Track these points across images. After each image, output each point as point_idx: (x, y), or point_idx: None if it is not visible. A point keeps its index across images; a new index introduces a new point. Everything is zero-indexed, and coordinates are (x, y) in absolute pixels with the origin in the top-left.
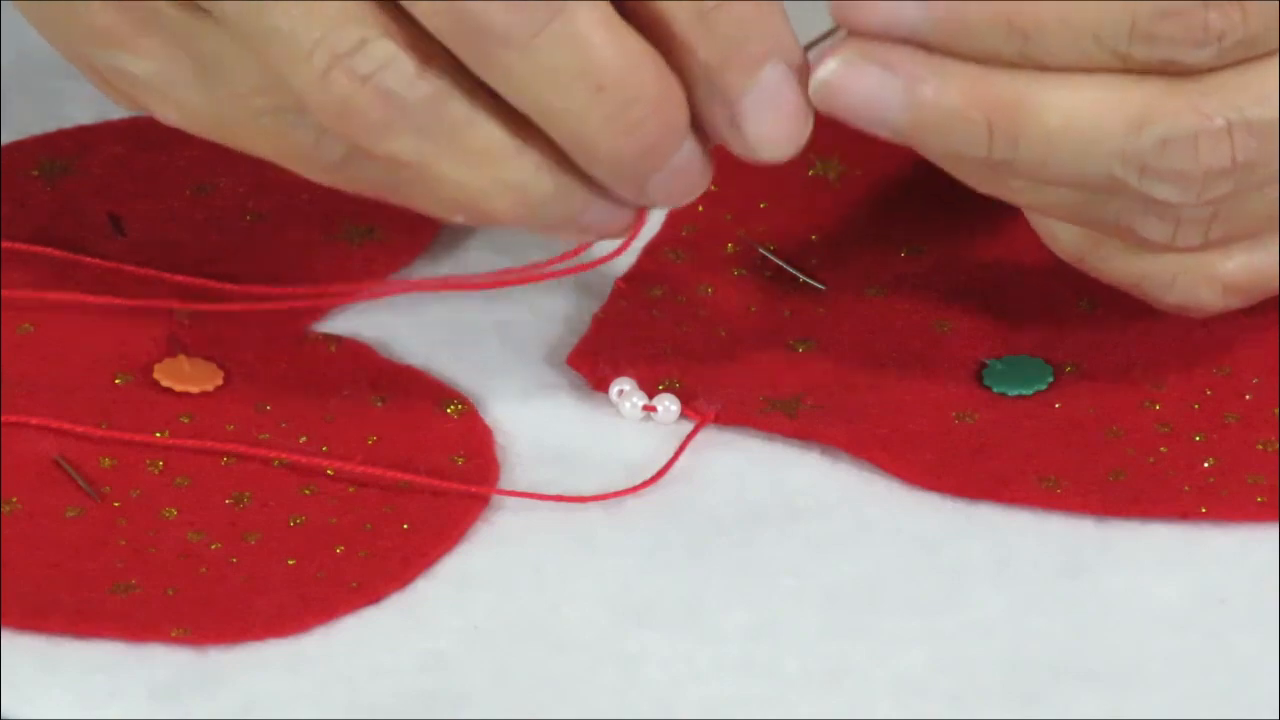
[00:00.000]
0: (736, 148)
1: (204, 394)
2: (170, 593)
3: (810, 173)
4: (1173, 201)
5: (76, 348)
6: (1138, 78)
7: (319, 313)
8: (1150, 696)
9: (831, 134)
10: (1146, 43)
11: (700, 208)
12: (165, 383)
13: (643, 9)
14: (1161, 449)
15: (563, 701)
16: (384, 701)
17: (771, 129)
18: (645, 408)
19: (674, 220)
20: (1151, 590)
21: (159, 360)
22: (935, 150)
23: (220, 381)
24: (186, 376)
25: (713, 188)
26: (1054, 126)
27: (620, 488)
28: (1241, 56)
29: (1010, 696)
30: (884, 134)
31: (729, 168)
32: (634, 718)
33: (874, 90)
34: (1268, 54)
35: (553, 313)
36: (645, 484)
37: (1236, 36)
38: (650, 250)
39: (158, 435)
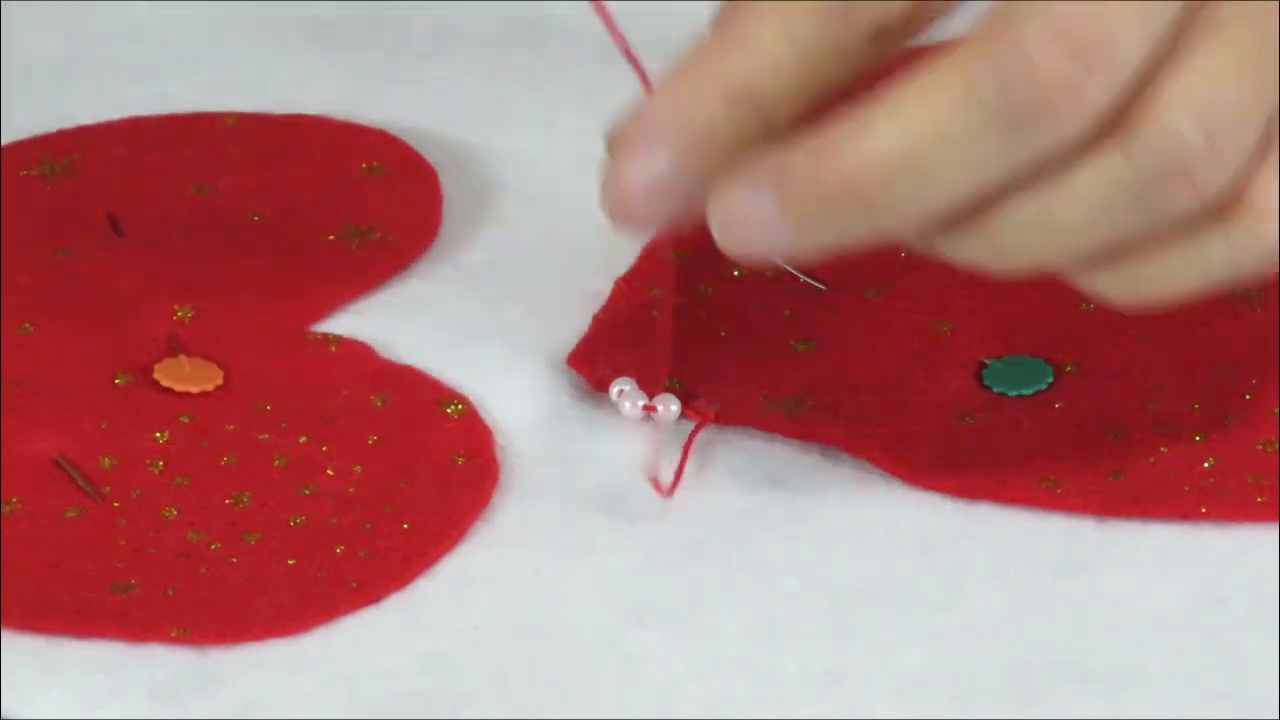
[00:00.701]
0: None
1: (204, 394)
2: (170, 593)
3: None
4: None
5: (76, 348)
6: None
7: (319, 313)
8: (1150, 696)
9: None
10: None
11: None
12: (165, 383)
13: None
14: (1161, 449)
15: (563, 701)
16: (384, 701)
17: None
18: (645, 408)
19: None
20: (1151, 590)
21: (159, 360)
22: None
23: (220, 381)
24: (186, 377)
25: None
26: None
27: (621, 488)
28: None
29: (1010, 696)
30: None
31: None
32: (634, 718)
33: (749, 208)
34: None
35: (552, 313)
36: (670, 489)
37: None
38: (650, 250)
39: (157, 436)
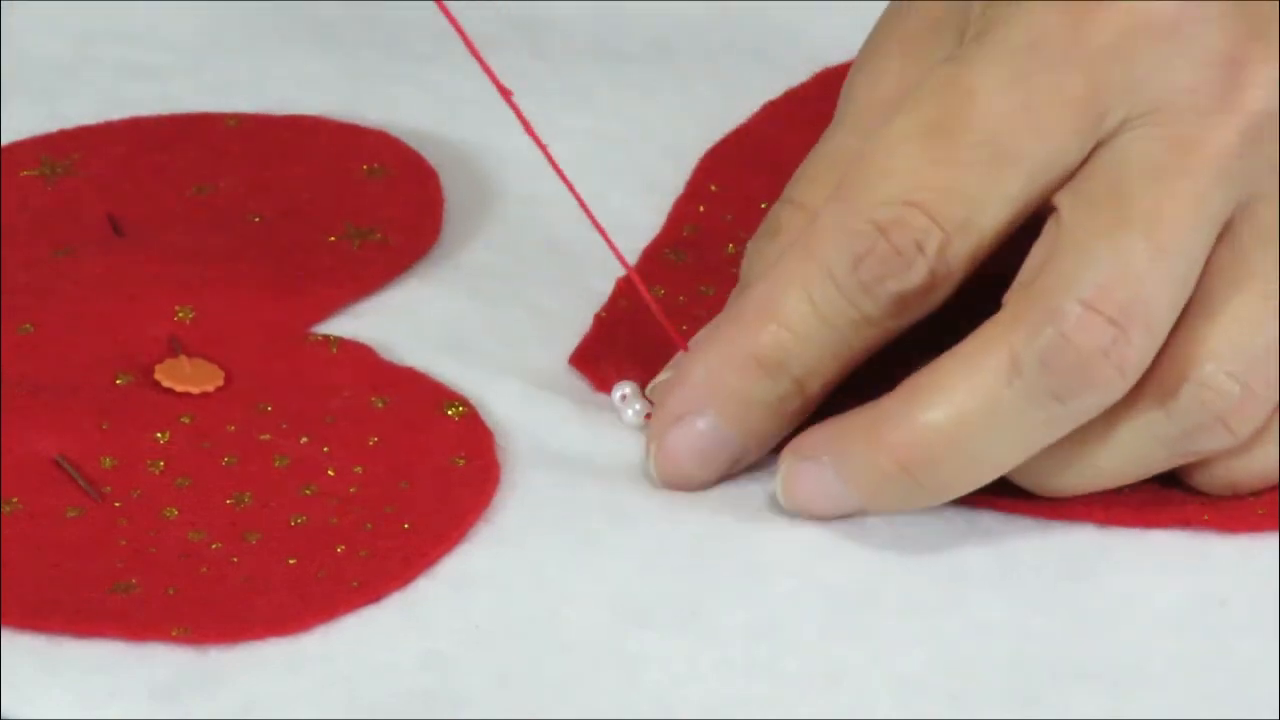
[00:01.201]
0: None
1: (204, 394)
2: (171, 592)
3: None
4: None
5: (76, 348)
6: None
7: (320, 314)
8: (1151, 698)
9: None
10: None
11: (701, 208)
12: (166, 383)
13: None
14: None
15: (563, 702)
16: (384, 701)
17: None
18: (647, 417)
19: (675, 221)
20: (1152, 593)
21: (160, 361)
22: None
23: (221, 382)
24: (187, 377)
25: (712, 188)
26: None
27: (622, 489)
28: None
29: (1010, 698)
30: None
31: (728, 168)
32: (634, 718)
33: (815, 483)
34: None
35: (553, 314)
36: None
37: (1132, 362)
38: (651, 251)
39: (158, 436)
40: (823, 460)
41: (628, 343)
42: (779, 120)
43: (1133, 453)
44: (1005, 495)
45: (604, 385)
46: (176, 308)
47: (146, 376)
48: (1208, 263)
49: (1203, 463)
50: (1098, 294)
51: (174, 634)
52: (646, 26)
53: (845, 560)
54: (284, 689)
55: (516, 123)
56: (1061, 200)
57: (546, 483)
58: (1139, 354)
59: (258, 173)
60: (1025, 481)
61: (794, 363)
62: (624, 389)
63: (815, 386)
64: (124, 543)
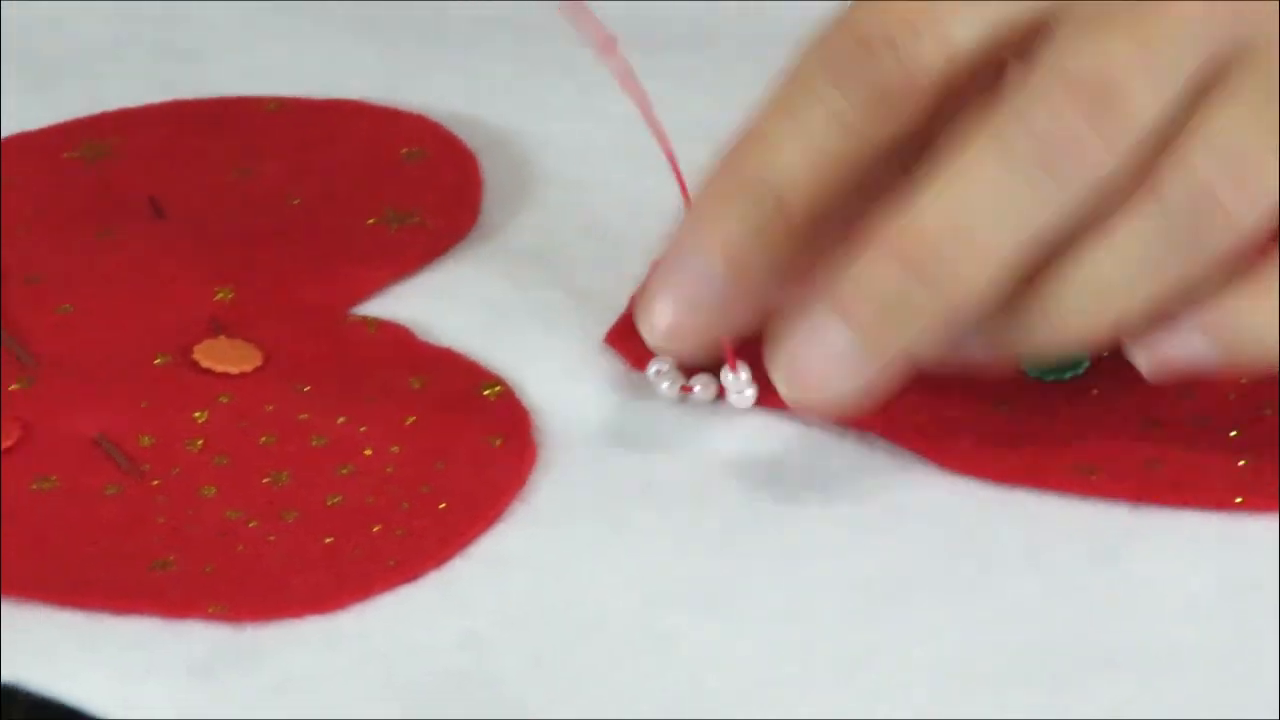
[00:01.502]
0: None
1: (243, 374)
2: (208, 570)
3: None
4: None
5: (116, 329)
6: None
7: (359, 296)
8: (1181, 682)
9: None
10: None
11: None
12: (205, 363)
13: None
14: (1198, 443)
15: (596, 681)
16: (419, 679)
17: None
18: (683, 389)
19: None
20: (1184, 576)
21: (198, 341)
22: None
23: (259, 362)
24: (226, 357)
25: None
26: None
27: (657, 470)
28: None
29: (1041, 680)
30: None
31: None
32: (667, 698)
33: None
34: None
35: (590, 295)
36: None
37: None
38: None
39: (196, 415)
40: (823, 313)
41: None
42: None
43: (1136, 254)
44: (1035, 472)
45: (639, 363)
46: (216, 289)
47: (185, 357)
48: (1202, 88)
49: (1214, 304)
50: (1081, 76)
51: (211, 611)
52: (686, 13)
53: (876, 544)
54: (320, 666)
55: (555, 106)
56: (1047, 17)
57: (582, 463)
58: (1124, 130)
59: (297, 156)
60: (1043, 326)
61: (771, 174)
62: (659, 364)
63: (798, 203)
64: (162, 520)
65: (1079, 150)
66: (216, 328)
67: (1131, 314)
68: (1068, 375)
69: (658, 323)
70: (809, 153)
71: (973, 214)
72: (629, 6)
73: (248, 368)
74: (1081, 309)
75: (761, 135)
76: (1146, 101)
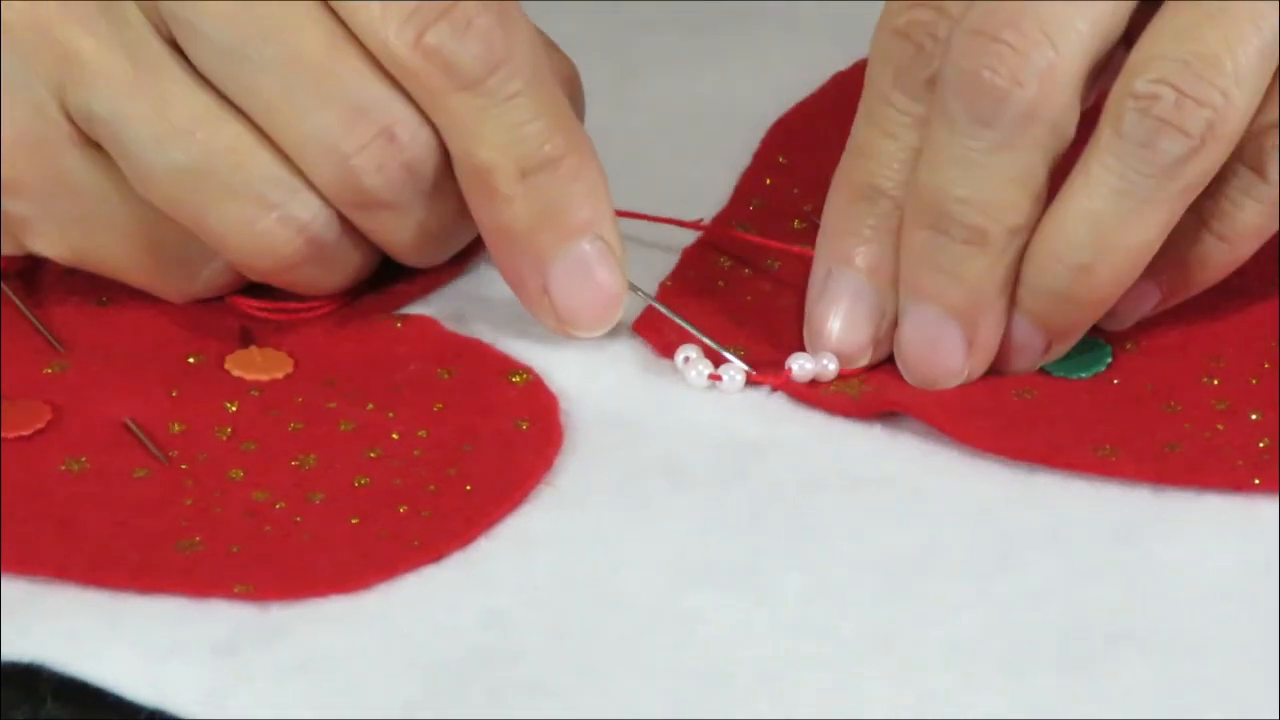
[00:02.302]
0: (547, 320)
1: (273, 380)
2: (234, 550)
3: None
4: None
5: (151, 325)
6: None
7: (394, 307)
8: (1201, 662)
9: None
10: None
11: (768, 180)
12: (236, 373)
13: (467, 160)
14: (1219, 426)
15: (620, 660)
16: (443, 658)
17: (581, 302)
18: (711, 376)
19: (742, 194)
20: (1204, 559)
21: (230, 351)
22: None
23: (290, 369)
24: (257, 366)
25: (781, 160)
26: None
27: (683, 453)
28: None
29: (1062, 660)
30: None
31: (796, 140)
32: (690, 676)
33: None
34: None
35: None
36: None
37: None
38: (718, 224)
39: (227, 405)
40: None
41: (691, 310)
42: (847, 92)
43: (1115, 187)
44: (1054, 451)
45: (668, 351)
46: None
47: (218, 363)
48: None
49: (1228, 202)
50: (983, 21)
51: (236, 591)
52: None
53: (900, 525)
54: (344, 645)
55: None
56: None
57: (608, 445)
58: (1033, 59)
59: None
60: (1056, 259)
61: (882, 181)
62: (687, 351)
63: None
64: (189, 502)
65: (997, 93)
66: (248, 338)
67: (1134, 249)
68: (1088, 373)
69: (830, 339)
70: (901, 150)
71: (942, 172)
72: None
73: (279, 375)
74: (1082, 238)
75: (862, 152)
76: (1063, 17)
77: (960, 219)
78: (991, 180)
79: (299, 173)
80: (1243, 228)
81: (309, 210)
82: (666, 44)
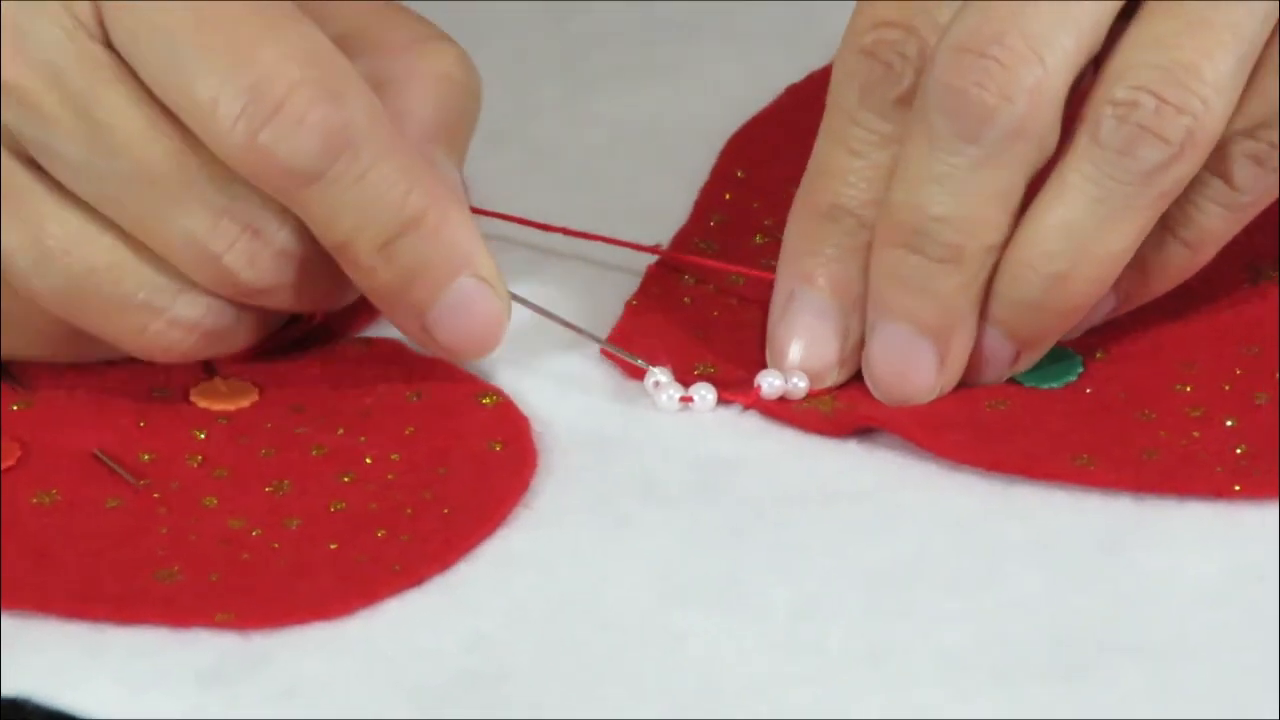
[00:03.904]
0: (436, 353)
1: (239, 409)
2: (213, 578)
3: None
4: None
5: (113, 365)
6: None
7: (359, 327)
8: (1191, 668)
9: None
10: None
11: (727, 195)
12: (202, 404)
13: (326, 240)
14: (1194, 433)
15: (606, 679)
16: (428, 682)
17: (464, 337)
18: (682, 399)
19: (702, 210)
20: (1189, 567)
21: (195, 384)
22: None
23: (256, 397)
24: (223, 397)
25: (739, 174)
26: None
27: (658, 471)
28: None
29: (1053, 671)
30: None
31: (754, 153)
32: (677, 695)
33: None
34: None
35: (585, 302)
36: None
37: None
38: (679, 242)
39: (196, 433)
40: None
41: (659, 329)
42: (802, 103)
43: (1092, 195)
44: (1031, 462)
45: (636, 372)
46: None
47: (183, 395)
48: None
49: (1193, 208)
50: (968, 37)
51: (218, 619)
52: (671, 11)
53: (882, 539)
54: (328, 671)
55: (538, 113)
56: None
57: (582, 466)
58: (1021, 75)
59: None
60: (1031, 268)
61: (847, 200)
62: (658, 375)
63: (874, 214)
64: (164, 531)
65: (984, 108)
66: (211, 368)
67: (1109, 257)
68: (1060, 383)
69: (793, 362)
70: (873, 174)
71: (926, 192)
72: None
73: (245, 404)
74: (1058, 247)
75: (825, 170)
76: (1042, 29)
77: (937, 237)
78: (971, 197)
79: (180, 275)
80: (1206, 234)
81: (197, 309)
82: (615, 59)
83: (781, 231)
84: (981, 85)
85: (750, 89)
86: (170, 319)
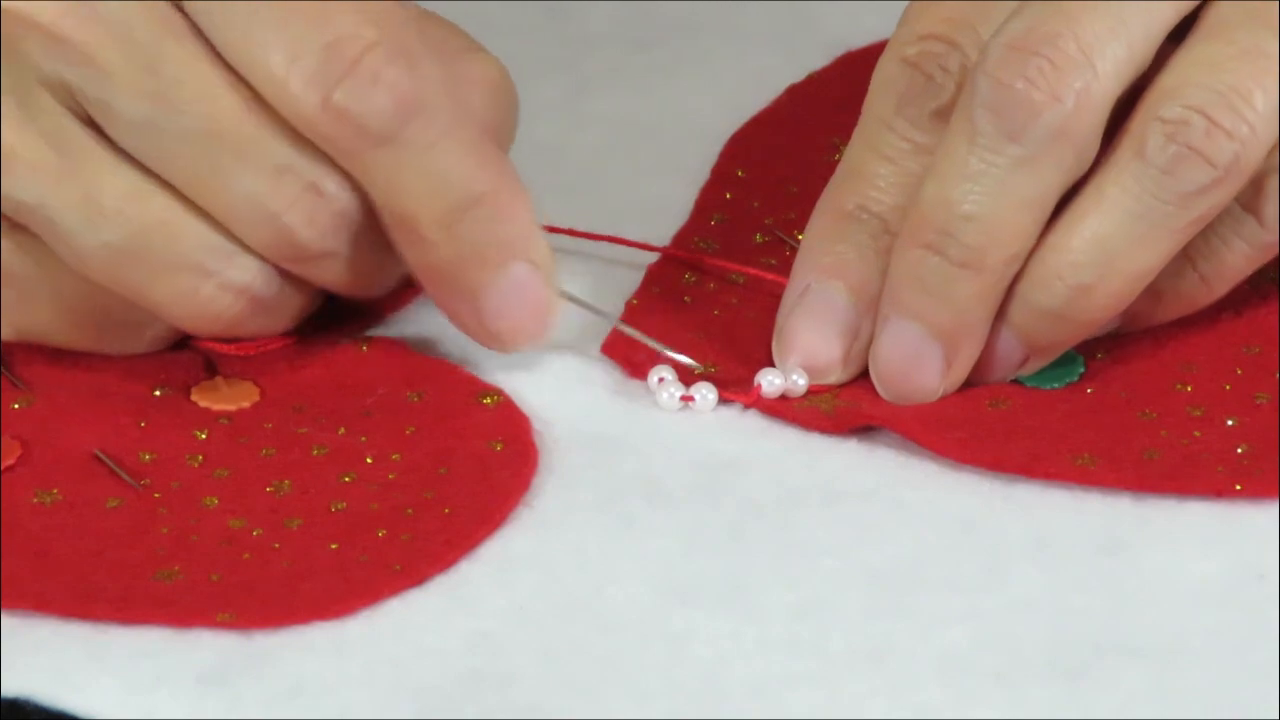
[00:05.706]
0: (483, 341)
1: (240, 410)
2: (214, 579)
3: (837, 157)
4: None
5: (114, 363)
6: None
7: (357, 332)
8: (1193, 668)
9: (855, 118)
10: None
11: (728, 194)
12: (203, 404)
13: (389, 211)
14: (1195, 433)
15: (609, 679)
16: (430, 682)
17: (514, 324)
18: (683, 398)
19: (702, 209)
20: (1190, 566)
21: (196, 382)
22: None
23: (257, 398)
24: (224, 397)
25: (739, 173)
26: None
27: (660, 471)
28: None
29: (1054, 672)
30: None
31: (754, 153)
32: (682, 695)
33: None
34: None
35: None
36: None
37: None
38: (679, 241)
39: (196, 433)
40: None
41: (660, 328)
42: (802, 104)
43: (1130, 210)
44: (1033, 461)
45: (638, 372)
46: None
47: (184, 394)
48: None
49: (1218, 240)
50: (1021, 36)
51: (219, 619)
52: (670, 11)
53: (883, 538)
54: (331, 671)
55: (538, 113)
56: None
57: (583, 465)
58: (1071, 77)
59: None
60: (1059, 279)
61: (873, 203)
62: (660, 373)
63: (899, 220)
64: (165, 531)
65: (1033, 106)
66: (212, 369)
67: (1136, 274)
68: (1061, 383)
69: (800, 354)
70: (897, 175)
71: (964, 193)
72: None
73: (245, 404)
74: (1087, 258)
75: (857, 173)
76: (1094, 36)
77: (961, 238)
78: (1004, 199)
79: (233, 237)
80: (1227, 268)
81: (248, 273)
82: (615, 58)
83: (782, 231)
84: (1031, 82)
85: (746, 88)
86: (221, 282)
